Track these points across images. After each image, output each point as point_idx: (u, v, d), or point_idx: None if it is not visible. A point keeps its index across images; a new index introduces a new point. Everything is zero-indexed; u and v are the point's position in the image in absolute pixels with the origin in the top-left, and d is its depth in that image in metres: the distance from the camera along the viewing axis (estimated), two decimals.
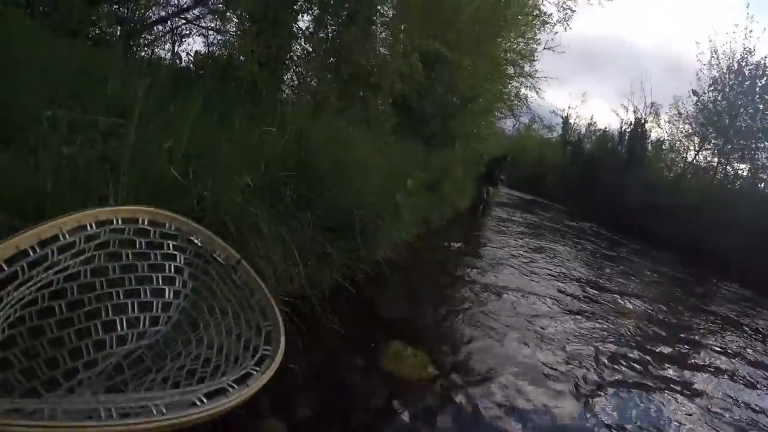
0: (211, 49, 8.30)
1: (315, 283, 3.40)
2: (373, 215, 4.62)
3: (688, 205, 21.91)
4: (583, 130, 38.67)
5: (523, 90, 19.55)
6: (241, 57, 6.37)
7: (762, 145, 23.35)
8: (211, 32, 8.79)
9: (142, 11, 7.46)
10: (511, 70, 17.57)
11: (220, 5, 7.94)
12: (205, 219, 2.55)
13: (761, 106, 23.23)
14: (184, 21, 8.57)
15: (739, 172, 24.39)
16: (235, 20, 7.96)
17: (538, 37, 17.96)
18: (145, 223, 1.56)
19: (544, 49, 18.34)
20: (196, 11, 8.54)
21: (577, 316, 5.58)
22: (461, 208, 11.62)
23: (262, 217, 2.98)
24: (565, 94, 39.83)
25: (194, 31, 8.76)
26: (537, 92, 19.65)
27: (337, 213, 4.08)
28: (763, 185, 23.14)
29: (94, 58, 4.01)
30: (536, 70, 18.97)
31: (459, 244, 8.14)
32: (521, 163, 36.60)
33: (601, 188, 27.67)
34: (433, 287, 5.56)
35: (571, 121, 39.17)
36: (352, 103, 7.79)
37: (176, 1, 8.30)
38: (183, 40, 8.69)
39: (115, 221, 1.47)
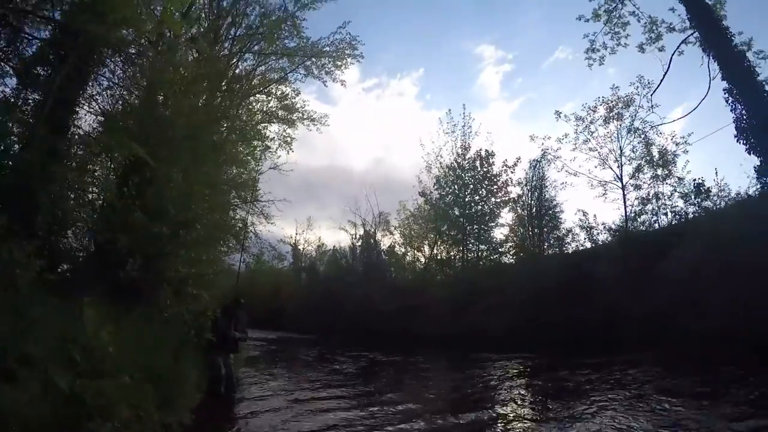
0: None
1: None
2: None
3: (441, 299, 22.19)
4: (314, 254, 38.79)
5: (249, 217, 18.34)
6: None
7: (492, 224, 26.40)
8: None
9: None
10: (234, 195, 15.87)
11: None
12: None
13: (484, 191, 26.57)
14: None
15: (480, 253, 26.60)
16: None
17: (260, 163, 18.20)
18: None
19: (270, 168, 18.51)
20: None
21: None
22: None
23: None
24: (292, 221, 40.32)
25: None
26: (265, 218, 18.37)
27: None
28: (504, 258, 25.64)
29: None
30: (261, 193, 18.38)
31: None
32: (257, 298, 33.90)
33: (346, 306, 26.70)
34: None
35: (300, 247, 38.99)
36: None
37: None
38: None
39: None
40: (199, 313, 8.17)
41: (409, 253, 30.54)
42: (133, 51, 9.09)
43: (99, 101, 9.46)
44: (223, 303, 9.02)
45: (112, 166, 8.78)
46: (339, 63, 16.34)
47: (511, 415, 7.39)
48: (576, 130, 21.45)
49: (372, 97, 79.09)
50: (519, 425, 6.82)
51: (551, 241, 23.33)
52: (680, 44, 16.29)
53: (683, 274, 12.78)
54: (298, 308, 31.70)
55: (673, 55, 16.61)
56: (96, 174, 8.76)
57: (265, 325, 29.14)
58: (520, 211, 25.23)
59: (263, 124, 17.31)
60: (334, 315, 27.02)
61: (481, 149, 26.83)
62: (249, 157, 17.27)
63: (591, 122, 21.12)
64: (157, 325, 6.81)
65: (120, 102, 9.92)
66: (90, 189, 8.50)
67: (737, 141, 13.28)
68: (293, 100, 17.11)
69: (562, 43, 62.75)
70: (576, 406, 7.50)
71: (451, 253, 27.62)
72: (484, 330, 17.74)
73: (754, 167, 13.23)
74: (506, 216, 26.30)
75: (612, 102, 20.56)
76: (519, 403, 8.36)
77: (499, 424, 6.86)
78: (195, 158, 9.79)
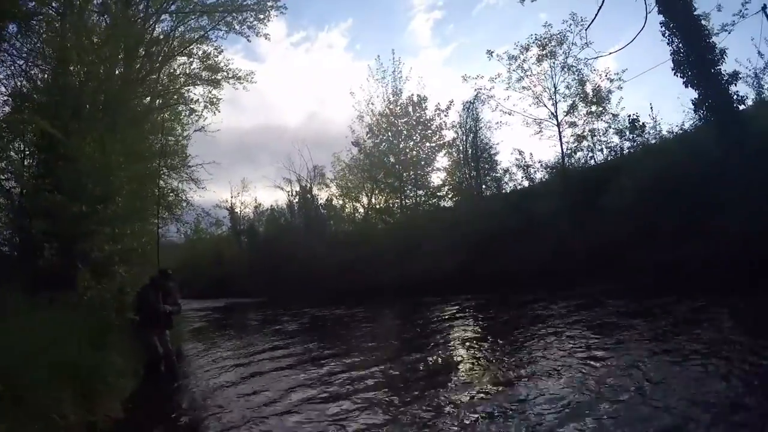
0: None
1: None
2: None
3: (383, 248, 22.17)
4: (252, 215, 37.88)
5: (178, 184, 16.97)
6: None
7: (429, 169, 26.55)
8: None
9: None
10: (162, 164, 14.95)
11: None
12: None
13: (418, 137, 26.55)
14: None
15: (419, 199, 26.71)
16: None
17: (186, 128, 17.15)
18: None
19: (195, 131, 17.30)
20: None
21: None
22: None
23: None
24: (226, 185, 38.72)
25: None
26: (195, 183, 17.37)
27: None
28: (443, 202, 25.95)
29: None
30: (191, 159, 17.13)
31: None
32: (200, 267, 32.97)
33: (289, 264, 26.19)
34: None
35: (237, 210, 37.94)
36: None
37: None
38: None
39: None
40: (119, 291, 7.52)
41: (347, 205, 30.31)
42: (38, 23, 8.38)
43: (5, 81, 8.71)
44: (150, 276, 8.26)
45: (26, 149, 8.05)
46: (261, 16, 15.51)
47: (433, 352, 7.88)
48: (509, 69, 21.34)
49: (301, 51, 76.40)
50: (438, 359, 7.30)
51: (489, 182, 23.72)
52: None
53: (623, 208, 13.29)
54: (242, 272, 30.89)
55: None
56: (11, 159, 7.98)
57: (210, 294, 28.46)
58: (455, 154, 25.43)
59: (187, 87, 16.33)
60: (278, 275, 26.50)
61: (413, 94, 26.58)
62: (175, 123, 16.65)
63: (524, 61, 21.02)
64: (73, 312, 6.13)
65: (24, 78, 8.96)
66: (4, 176, 7.69)
67: (674, 74, 13.29)
68: (216, 60, 16.17)
69: None
70: (503, 339, 8.13)
71: (390, 201, 27.64)
72: (428, 275, 17.89)
73: (692, 100, 13.24)
74: (442, 160, 26.55)
75: (545, 40, 20.40)
76: (443, 341, 8.85)
77: (413, 360, 7.31)
78: (112, 128, 9.05)
